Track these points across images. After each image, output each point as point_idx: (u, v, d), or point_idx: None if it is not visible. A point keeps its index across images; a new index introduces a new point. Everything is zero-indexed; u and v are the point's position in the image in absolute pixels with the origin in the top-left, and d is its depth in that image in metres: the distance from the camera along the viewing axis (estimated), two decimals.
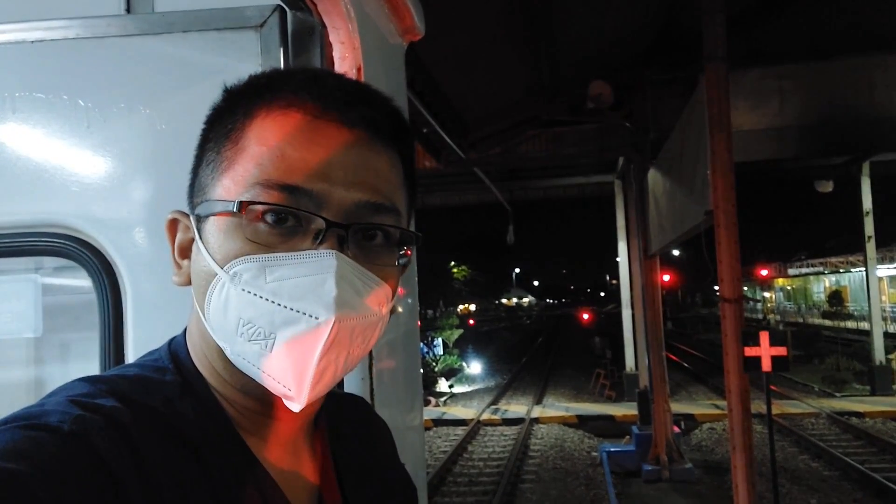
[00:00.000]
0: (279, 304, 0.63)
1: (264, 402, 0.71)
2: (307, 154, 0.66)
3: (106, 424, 0.59)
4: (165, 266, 0.74)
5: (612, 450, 12.06)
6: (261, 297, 0.63)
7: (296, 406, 0.66)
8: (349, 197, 0.67)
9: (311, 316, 0.62)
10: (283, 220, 0.65)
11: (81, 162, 1.09)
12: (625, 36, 9.90)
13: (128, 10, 1.16)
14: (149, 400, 0.66)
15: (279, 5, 1.06)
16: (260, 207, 0.65)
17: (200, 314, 0.70)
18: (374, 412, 1.01)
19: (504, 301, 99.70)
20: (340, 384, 1.04)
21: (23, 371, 1.26)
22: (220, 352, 0.69)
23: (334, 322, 0.62)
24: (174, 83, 1.09)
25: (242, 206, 0.64)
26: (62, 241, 1.07)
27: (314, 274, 0.63)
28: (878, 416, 14.48)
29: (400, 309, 1.39)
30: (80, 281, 1.11)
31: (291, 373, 0.63)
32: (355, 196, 0.67)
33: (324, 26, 1.05)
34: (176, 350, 0.74)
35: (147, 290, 1.08)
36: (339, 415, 0.85)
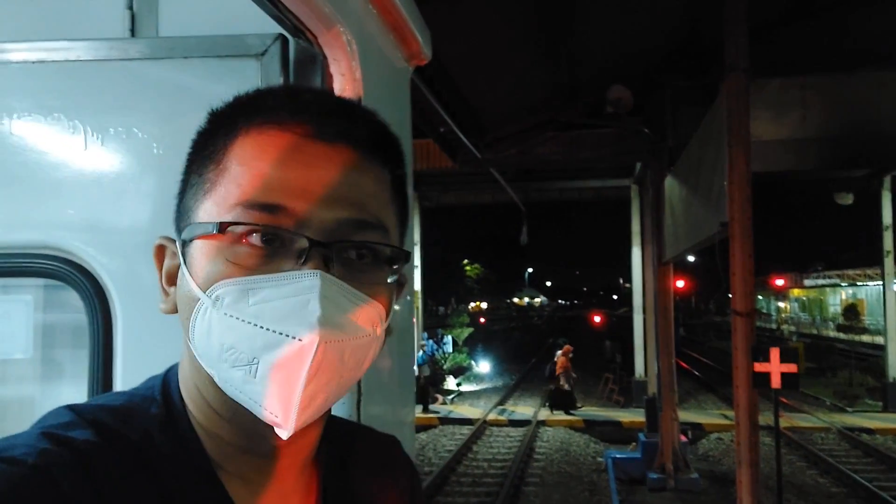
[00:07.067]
0: (261, 328, 0.60)
1: (253, 434, 0.69)
2: (286, 172, 0.64)
3: (71, 459, 0.59)
4: (156, 290, 0.73)
5: (617, 456, 12.02)
6: (243, 321, 0.61)
7: (284, 434, 0.63)
8: (331, 214, 0.64)
9: (293, 337, 0.59)
10: (266, 241, 0.63)
11: (77, 184, 1.08)
12: (646, 41, 9.81)
13: (132, 34, 1.15)
14: (128, 432, 0.65)
15: (281, 34, 1.05)
16: (240, 228, 0.63)
17: (187, 341, 0.68)
18: (403, 456, 0.95)
19: (516, 300, 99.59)
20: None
21: (12, 389, 1.26)
22: (211, 379, 0.67)
23: (319, 343, 0.59)
24: (174, 109, 1.07)
25: (221, 227, 0.63)
26: (54, 262, 1.06)
27: (298, 295, 0.61)
28: (889, 434, 14.32)
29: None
30: (72, 302, 1.10)
31: (277, 398, 0.61)
32: (337, 213, 0.65)
33: (325, 56, 1.03)
34: (168, 380, 0.73)
35: (137, 315, 1.07)
36: (350, 451, 0.81)
